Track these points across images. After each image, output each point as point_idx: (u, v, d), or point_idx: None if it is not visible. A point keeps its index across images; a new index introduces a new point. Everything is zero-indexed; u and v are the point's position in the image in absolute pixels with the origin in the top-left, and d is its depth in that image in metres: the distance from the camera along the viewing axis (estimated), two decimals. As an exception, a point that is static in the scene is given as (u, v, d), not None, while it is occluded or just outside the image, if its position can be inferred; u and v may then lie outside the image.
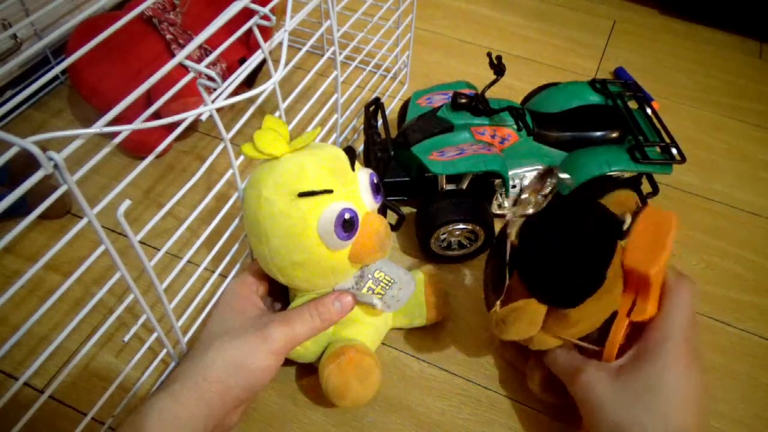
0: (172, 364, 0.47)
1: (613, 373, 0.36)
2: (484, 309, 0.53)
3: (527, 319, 0.35)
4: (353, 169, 0.40)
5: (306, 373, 0.48)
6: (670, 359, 0.34)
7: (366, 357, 0.42)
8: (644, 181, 0.58)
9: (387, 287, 0.43)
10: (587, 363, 0.38)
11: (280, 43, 0.38)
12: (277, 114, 0.45)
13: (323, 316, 0.39)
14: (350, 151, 0.41)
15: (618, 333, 0.37)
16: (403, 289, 0.43)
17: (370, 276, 0.43)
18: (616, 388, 0.35)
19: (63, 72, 0.71)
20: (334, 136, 0.60)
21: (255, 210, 0.38)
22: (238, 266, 0.53)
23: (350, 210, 0.38)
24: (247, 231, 0.41)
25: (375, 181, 0.41)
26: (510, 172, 0.54)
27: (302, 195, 0.37)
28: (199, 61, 0.38)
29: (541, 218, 0.37)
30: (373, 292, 0.42)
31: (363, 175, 0.41)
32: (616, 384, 0.35)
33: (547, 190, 0.53)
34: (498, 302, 0.38)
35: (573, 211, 0.36)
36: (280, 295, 0.46)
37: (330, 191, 0.37)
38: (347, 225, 0.38)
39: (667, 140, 0.53)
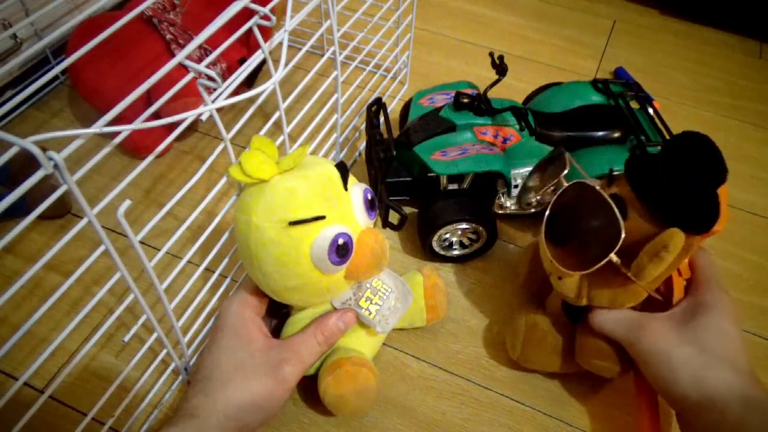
0: (172, 365, 0.47)
1: (676, 324, 0.38)
2: (485, 308, 0.53)
3: (678, 247, 0.35)
4: (346, 188, 0.39)
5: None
6: (725, 313, 0.38)
7: (362, 369, 0.42)
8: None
9: (385, 296, 0.43)
10: (650, 317, 0.39)
11: (280, 43, 0.38)
12: (277, 114, 0.44)
13: (330, 340, 0.41)
14: (342, 168, 0.39)
15: (680, 288, 0.41)
16: (400, 300, 0.43)
17: (368, 285, 0.43)
18: (684, 338, 0.37)
19: (63, 72, 0.71)
20: (334, 135, 0.60)
21: (245, 236, 0.37)
22: (237, 266, 0.53)
23: (344, 234, 0.37)
24: (239, 254, 0.40)
25: (369, 198, 0.40)
26: (512, 172, 0.54)
27: (293, 224, 0.36)
28: (199, 61, 0.38)
29: (665, 153, 0.38)
30: (371, 302, 0.42)
31: (356, 193, 0.39)
32: (683, 334, 0.37)
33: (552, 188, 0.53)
34: (613, 256, 0.37)
35: (691, 144, 0.39)
36: (279, 304, 0.46)
37: (322, 217, 0.36)
38: (341, 250, 0.37)
39: (669, 140, 0.53)
